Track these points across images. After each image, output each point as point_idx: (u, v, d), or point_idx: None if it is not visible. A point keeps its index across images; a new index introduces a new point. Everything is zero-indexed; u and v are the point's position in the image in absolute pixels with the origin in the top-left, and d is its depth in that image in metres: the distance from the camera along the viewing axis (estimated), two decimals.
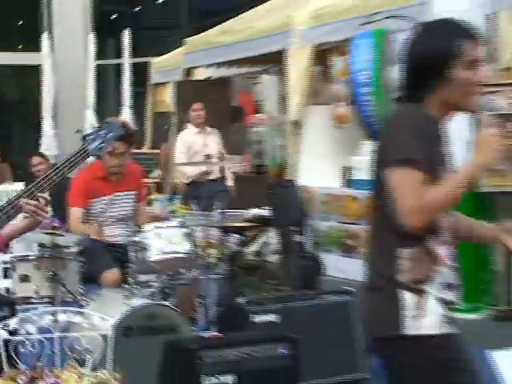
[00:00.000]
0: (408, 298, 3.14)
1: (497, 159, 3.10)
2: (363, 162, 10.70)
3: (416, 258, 3.14)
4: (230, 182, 11.57)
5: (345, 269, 10.48)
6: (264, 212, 9.43)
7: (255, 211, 9.46)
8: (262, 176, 11.86)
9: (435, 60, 3.15)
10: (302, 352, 5.29)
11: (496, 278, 9.05)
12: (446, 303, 3.21)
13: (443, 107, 3.21)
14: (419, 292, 3.14)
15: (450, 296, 3.22)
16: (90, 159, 4.74)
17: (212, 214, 8.39)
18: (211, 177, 11.08)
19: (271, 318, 6.03)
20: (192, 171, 10.33)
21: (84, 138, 4.56)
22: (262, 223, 9.39)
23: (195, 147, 10.86)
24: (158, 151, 15.33)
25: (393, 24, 9.28)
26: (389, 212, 3.13)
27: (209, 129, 11.71)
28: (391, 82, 9.07)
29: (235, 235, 8.92)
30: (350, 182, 11.09)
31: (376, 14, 9.02)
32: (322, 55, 12.01)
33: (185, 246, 6.55)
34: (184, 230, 6.64)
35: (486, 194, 8.55)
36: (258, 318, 6.01)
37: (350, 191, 10.96)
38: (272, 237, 9.20)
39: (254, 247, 9.03)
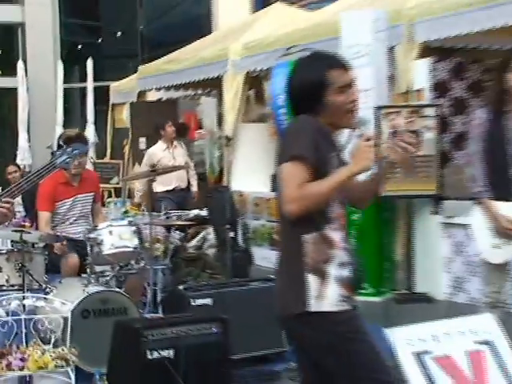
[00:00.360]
0: (311, 279, 3.15)
1: (368, 166, 3.09)
2: None
3: (316, 242, 3.16)
4: (194, 189, 11.43)
5: (272, 260, 10.49)
6: (203, 212, 9.46)
7: (196, 212, 9.46)
8: (202, 182, 11.85)
9: (311, 89, 3.17)
10: (231, 330, 5.35)
11: (396, 266, 9.18)
12: (344, 280, 3.22)
13: (328, 125, 3.25)
14: (321, 274, 3.15)
15: (345, 272, 3.23)
16: None
17: (159, 214, 8.43)
18: (181, 186, 10.92)
19: (207, 301, 6.07)
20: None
21: (52, 153, 4.59)
22: (202, 222, 9.42)
23: (163, 161, 10.58)
24: (118, 161, 15.25)
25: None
26: None
27: (175, 142, 11.48)
28: None
29: (178, 232, 8.94)
30: (276, 187, 11.11)
31: (293, 47, 9.09)
32: (256, 81, 12.06)
33: (133, 242, 6.57)
34: (133, 228, 6.65)
35: (387, 197, 8.67)
36: (196, 302, 6.05)
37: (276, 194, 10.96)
38: (209, 233, 9.21)
39: (194, 242, 9.04)
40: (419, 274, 8.95)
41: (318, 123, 3.20)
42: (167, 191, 10.77)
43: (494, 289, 5.46)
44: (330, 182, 3.11)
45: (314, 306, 3.15)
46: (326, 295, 3.16)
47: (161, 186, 10.42)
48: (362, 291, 8.20)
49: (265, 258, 10.86)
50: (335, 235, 3.22)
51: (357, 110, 3.25)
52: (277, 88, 9.50)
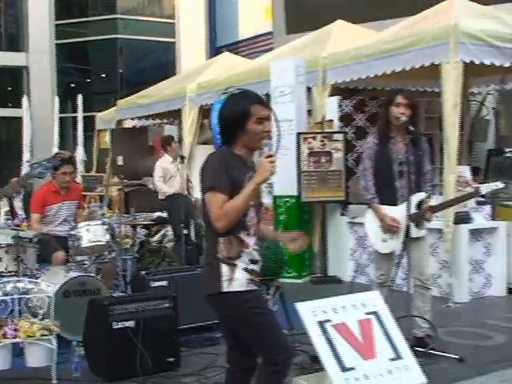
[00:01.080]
0: (224, 268, 3.17)
1: (268, 177, 3.08)
2: None
3: (228, 243, 3.18)
4: (194, 196, 11.02)
5: None
6: (164, 214, 9.38)
7: (158, 213, 9.38)
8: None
9: (237, 118, 3.17)
10: (180, 305, 5.29)
11: (314, 256, 9.21)
12: (253, 272, 3.24)
13: (246, 148, 3.24)
14: (231, 265, 3.18)
15: (255, 267, 3.26)
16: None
17: (130, 216, 8.33)
18: (184, 193, 10.51)
19: (163, 283, 6.00)
20: (168, 190, 9.73)
21: (31, 165, 4.50)
22: (162, 222, 9.35)
23: (171, 172, 10.22)
24: (101, 174, 15.14)
25: None
26: (209, 218, 3.17)
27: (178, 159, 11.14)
28: None
29: (143, 230, 8.87)
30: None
31: (231, 87, 9.06)
32: (208, 112, 12.03)
33: (106, 237, 6.49)
34: (106, 226, 6.58)
35: (306, 202, 8.72)
36: (154, 284, 5.99)
37: None
38: (169, 231, 9.15)
39: (156, 237, 8.98)
40: (331, 262, 9.00)
41: (229, 155, 3.20)
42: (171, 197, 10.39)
43: (382, 272, 5.51)
44: (242, 195, 3.11)
45: (226, 287, 3.16)
46: (235, 279, 3.17)
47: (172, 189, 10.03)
48: (287, 274, 8.26)
49: None
50: (248, 239, 3.24)
51: (270, 137, 3.25)
52: (214, 119, 9.50)
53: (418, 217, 5.26)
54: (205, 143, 12.45)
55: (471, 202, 7.44)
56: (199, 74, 12.61)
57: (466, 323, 6.42)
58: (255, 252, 3.28)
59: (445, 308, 7.04)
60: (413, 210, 5.23)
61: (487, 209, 7.64)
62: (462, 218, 7.35)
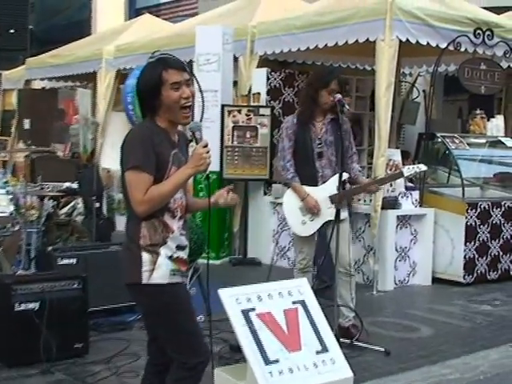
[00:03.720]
0: (145, 257, 2.97)
1: (203, 170, 2.94)
2: None
3: (151, 227, 2.98)
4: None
5: None
6: (74, 185, 9.08)
7: (68, 184, 9.06)
8: (76, 160, 11.39)
9: (150, 88, 2.98)
10: (90, 286, 5.09)
11: (234, 236, 9.13)
12: (179, 260, 3.05)
13: (168, 121, 3.04)
14: (153, 253, 2.98)
15: (181, 254, 3.07)
16: None
17: (37, 185, 8.00)
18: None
19: (71, 261, 5.79)
20: None
21: None
22: (72, 193, 9.03)
23: None
24: (6, 138, 14.64)
25: None
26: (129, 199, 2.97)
27: None
28: None
29: (51, 201, 8.54)
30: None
31: (157, 51, 8.80)
32: (126, 77, 11.75)
33: (10, 208, 6.19)
34: (10, 196, 6.26)
35: (228, 180, 8.57)
36: (62, 261, 5.76)
37: None
38: (79, 203, 8.86)
39: (65, 210, 8.66)
40: (251, 243, 8.92)
41: (152, 129, 3.00)
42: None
43: (303, 256, 5.44)
44: (170, 183, 2.93)
45: (146, 278, 2.96)
46: (156, 269, 2.97)
47: None
48: (205, 255, 8.13)
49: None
50: (173, 223, 3.04)
51: (190, 106, 3.05)
52: (127, 87, 9.24)
53: (339, 198, 5.23)
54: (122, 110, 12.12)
55: (400, 186, 7.47)
56: (117, 35, 12.35)
57: (391, 313, 6.44)
58: (183, 237, 3.09)
59: (369, 296, 7.08)
60: (333, 191, 5.22)
61: (415, 194, 7.68)
62: (390, 203, 7.37)
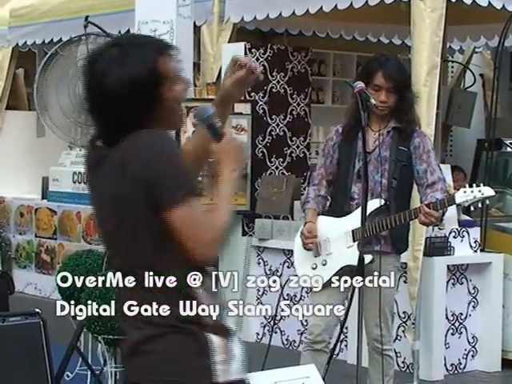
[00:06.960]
0: (215, 341, 2.89)
1: (239, 167, 3.05)
2: (63, 172, 10.51)
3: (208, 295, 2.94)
4: None
5: (41, 286, 10.30)
6: None
7: None
8: None
9: (143, 84, 2.95)
10: None
11: None
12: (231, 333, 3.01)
13: (165, 126, 3.06)
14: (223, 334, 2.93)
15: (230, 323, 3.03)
16: None
17: None
18: None
19: None
20: None
21: None
22: None
23: None
24: None
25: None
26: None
27: None
28: None
29: None
30: (47, 194, 10.77)
31: (87, 16, 8.80)
32: (27, 58, 11.80)
33: None
34: None
35: None
36: None
37: (47, 203, 10.70)
38: None
39: None
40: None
41: (167, 135, 3.05)
42: None
43: (314, 322, 5.52)
44: (225, 200, 2.97)
45: (222, 375, 2.88)
46: (234, 360, 2.93)
47: None
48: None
49: (30, 283, 10.53)
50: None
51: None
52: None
53: (363, 233, 5.21)
54: (16, 108, 12.29)
55: (451, 221, 7.46)
56: None
57: None
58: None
59: None
60: (357, 225, 5.25)
61: (475, 233, 7.69)
62: (437, 247, 7.36)
